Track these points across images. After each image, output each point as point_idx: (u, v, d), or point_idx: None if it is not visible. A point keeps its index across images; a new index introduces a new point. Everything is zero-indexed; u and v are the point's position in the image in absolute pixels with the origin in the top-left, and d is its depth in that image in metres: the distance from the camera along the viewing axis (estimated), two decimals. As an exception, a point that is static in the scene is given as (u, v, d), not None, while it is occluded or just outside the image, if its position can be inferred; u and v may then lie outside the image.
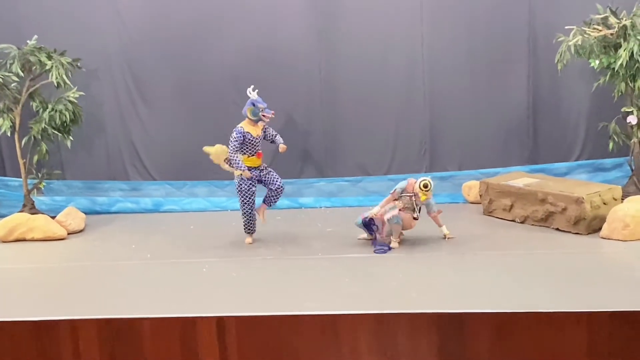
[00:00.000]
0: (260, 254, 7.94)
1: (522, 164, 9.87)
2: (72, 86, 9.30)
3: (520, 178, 8.97)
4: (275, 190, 8.28)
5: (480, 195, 9.19)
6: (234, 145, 8.00)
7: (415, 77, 9.85)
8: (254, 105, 8.08)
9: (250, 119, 8.12)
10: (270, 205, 8.45)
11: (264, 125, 8.26)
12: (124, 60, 10.11)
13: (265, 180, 8.26)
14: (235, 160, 7.99)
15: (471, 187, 9.68)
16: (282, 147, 8.20)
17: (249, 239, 8.32)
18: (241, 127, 8.10)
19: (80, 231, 9.24)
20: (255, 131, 8.14)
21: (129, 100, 10.22)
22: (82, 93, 9.40)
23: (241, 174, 8.02)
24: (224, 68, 9.97)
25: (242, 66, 9.93)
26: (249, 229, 8.32)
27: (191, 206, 10.19)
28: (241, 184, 8.11)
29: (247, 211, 8.20)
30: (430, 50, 9.78)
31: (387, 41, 9.80)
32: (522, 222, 8.61)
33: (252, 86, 8.24)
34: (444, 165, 10.05)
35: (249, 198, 8.12)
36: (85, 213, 9.59)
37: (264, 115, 8.10)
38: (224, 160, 8.31)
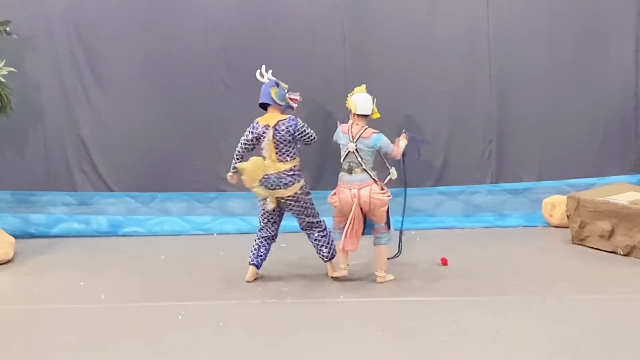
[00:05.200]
0: (259, 295, 7.90)
1: (626, 172, 9.89)
2: (-2, 60, 9.35)
3: (624, 192, 8.93)
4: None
5: (568, 216, 9.14)
6: (308, 131, 8.05)
7: (478, 54, 9.88)
8: (277, 85, 8.08)
9: (278, 104, 8.10)
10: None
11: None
12: (71, 25, 10.17)
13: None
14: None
15: (555, 205, 9.67)
16: None
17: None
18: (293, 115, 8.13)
19: (8, 262, 9.24)
20: None
21: (77, 79, 10.28)
22: (12, 69, 9.42)
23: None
24: (210, 36, 10.02)
25: (234, 35, 9.98)
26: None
27: (162, 228, 10.24)
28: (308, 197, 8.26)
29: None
30: (499, 17, 9.80)
31: (437, 3, 9.80)
32: (626, 255, 8.56)
33: (264, 66, 8.22)
34: (517, 173, 10.06)
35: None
36: (15, 236, 9.58)
37: (291, 99, 8.18)
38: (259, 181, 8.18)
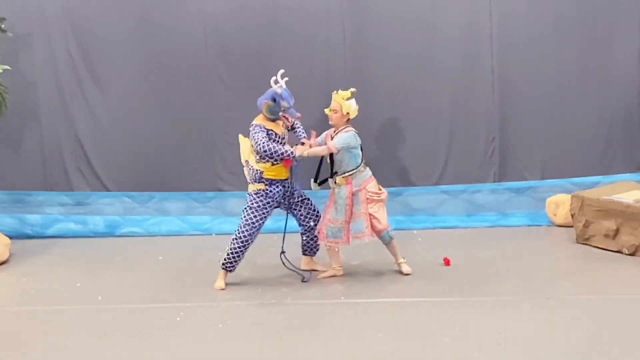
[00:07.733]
0: (258, 296, 7.88)
1: (631, 171, 9.87)
2: (-7, 58, 9.33)
3: (629, 191, 8.90)
4: (309, 233, 8.38)
5: (572, 215, 9.11)
6: (262, 138, 7.74)
7: (480, 52, 9.86)
8: (274, 101, 7.91)
9: (265, 115, 7.98)
10: (314, 255, 8.54)
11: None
12: (67, 23, 10.14)
13: (294, 208, 8.25)
14: (277, 150, 7.76)
15: (559, 204, 9.65)
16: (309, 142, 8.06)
17: (220, 282, 8.17)
18: (259, 123, 7.91)
19: (3, 263, 9.22)
20: (278, 128, 8.03)
21: (73, 78, 10.26)
22: (7, 67, 9.38)
23: (263, 189, 7.97)
24: (209, 35, 9.99)
25: (233, 34, 9.97)
26: (229, 264, 8.16)
27: (160, 228, 10.23)
28: (256, 199, 8.00)
29: (242, 236, 8.02)
30: (502, 15, 9.78)
31: (439, 2, 9.79)
32: (631, 254, 8.52)
33: (282, 71, 7.98)
34: (520, 172, 10.05)
35: (257, 220, 7.99)
36: (10, 237, 9.59)
37: (284, 117, 8.03)
38: (244, 162, 8.18)
